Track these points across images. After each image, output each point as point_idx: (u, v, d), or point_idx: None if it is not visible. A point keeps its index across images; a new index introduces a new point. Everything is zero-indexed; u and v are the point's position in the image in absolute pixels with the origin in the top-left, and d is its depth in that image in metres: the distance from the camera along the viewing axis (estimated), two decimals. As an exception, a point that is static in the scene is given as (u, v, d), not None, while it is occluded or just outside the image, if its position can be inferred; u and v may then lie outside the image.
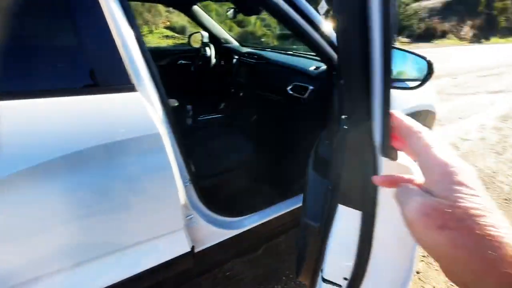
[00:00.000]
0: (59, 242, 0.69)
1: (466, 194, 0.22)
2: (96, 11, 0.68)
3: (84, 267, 0.77)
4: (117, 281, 0.84)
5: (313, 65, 1.53)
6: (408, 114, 1.31)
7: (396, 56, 1.05)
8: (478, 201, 0.22)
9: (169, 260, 0.96)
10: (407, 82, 1.13)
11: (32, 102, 0.62)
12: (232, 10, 1.79)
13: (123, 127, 0.69)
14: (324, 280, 0.60)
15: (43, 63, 0.66)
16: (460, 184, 0.23)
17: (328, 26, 1.10)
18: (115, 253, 0.84)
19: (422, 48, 16.05)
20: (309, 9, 1.06)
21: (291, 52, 1.87)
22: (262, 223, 1.24)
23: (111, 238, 0.81)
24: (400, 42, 18.67)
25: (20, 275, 0.68)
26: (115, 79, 0.71)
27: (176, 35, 9.86)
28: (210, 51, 2.07)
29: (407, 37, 20.07)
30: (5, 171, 0.57)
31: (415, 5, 20.25)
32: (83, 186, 0.67)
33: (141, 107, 0.73)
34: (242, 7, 1.63)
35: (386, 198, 0.46)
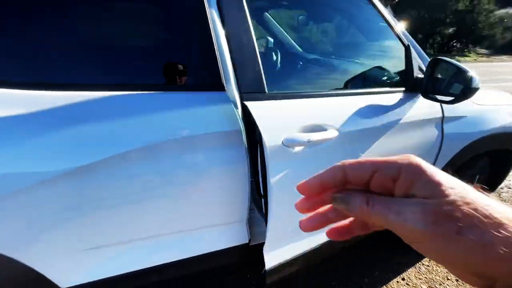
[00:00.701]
0: (156, 215, 0.82)
1: (451, 189, 0.20)
2: (202, 20, 0.78)
3: (166, 239, 0.89)
4: (179, 259, 0.94)
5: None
6: (497, 135, 1.19)
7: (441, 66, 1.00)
8: (470, 195, 0.19)
9: (227, 248, 1.03)
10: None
11: (149, 94, 0.75)
12: (303, 17, 1.83)
13: (212, 122, 0.79)
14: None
15: (159, 63, 0.79)
16: (437, 181, 0.20)
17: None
18: (186, 233, 0.94)
19: (505, 62, 13.94)
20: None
21: (358, 61, 1.83)
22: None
23: (186, 219, 0.92)
24: (476, 54, 16.53)
25: (114, 239, 0.82)
26: (210, 80, 0.81)
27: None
28: (276, 56, 2.14)
29: (487, 48, 17.64)
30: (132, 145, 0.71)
31: (501, 12, 17.70)
32: (177, 168, 0.78)
33: (229, 106, 0.82)
34: (314, 14, 1.66)
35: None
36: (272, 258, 0.98)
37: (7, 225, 0.69)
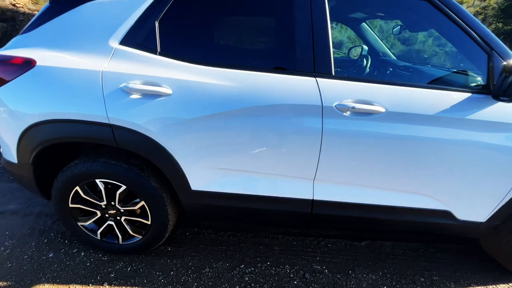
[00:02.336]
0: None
1: None
2: (306, 17, 1.17)
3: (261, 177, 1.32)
4: (267, 195, 1.35)
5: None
6: None
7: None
8: None
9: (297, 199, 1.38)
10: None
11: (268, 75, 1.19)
12: (398, 27, 1.97)
13: (305, 98, 1.17)
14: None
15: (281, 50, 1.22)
16: None
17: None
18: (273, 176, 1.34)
19: None
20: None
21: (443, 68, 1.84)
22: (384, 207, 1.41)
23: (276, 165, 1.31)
24: None
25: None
26: (307, 67, 1.19)
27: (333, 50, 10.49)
28: (366, 63, 2.33)
29: None
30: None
31: None
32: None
33: (316, 88, 1.17)
34: (409, 24, 1.79)
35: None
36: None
37: (186, 137, 1.23)
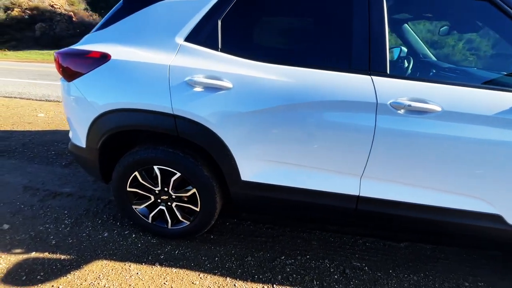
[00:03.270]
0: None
1: None
2: (364, 16, 1.20)
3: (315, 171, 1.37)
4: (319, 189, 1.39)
5: None
6: None
7: None
8: None
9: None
10: None
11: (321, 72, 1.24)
12: (446, 28, 1.94)
13: (360, 95, 1.20)
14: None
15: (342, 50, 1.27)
16: None
17: None
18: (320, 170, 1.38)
19: None
20: None
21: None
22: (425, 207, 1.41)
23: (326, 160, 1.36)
24: None
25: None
26: (363, 65, 1.22)
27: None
28: (408, 64, 2.31)
29: None
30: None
31: None
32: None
33: (371, 86, 1.20)
34: (459, 25, 1.76)
35: None
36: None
37: (242, 129, 1.31)
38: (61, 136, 3.21)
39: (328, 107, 1.25)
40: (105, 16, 1.52)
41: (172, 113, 1.32)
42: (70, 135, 1.63)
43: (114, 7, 1.50)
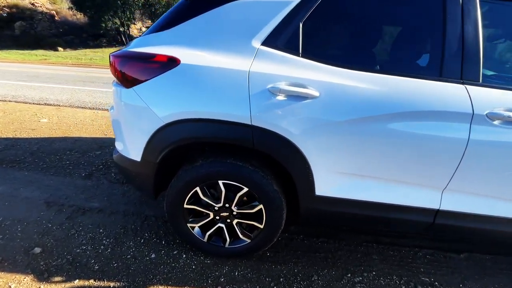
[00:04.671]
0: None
1: None
2: (457, 24, 1.15)
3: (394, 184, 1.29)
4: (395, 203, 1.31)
5: None
6: None
7: None
8: None
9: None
10: None
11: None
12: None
13: (454, 105, 1.13)
14: None
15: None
16: None
17: None
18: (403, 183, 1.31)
19: None
20: None
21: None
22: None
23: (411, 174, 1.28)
24: None
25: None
26: (455, 74, 1.16)
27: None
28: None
29: None
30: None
31: None
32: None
33: (466, 95, 1.14)
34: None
35: None
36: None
37: (325, 141, 1.21)
38: (71, 144, 2.97)
39: (419, 117, 1.17)
40: (163, 17, 1.38)
41: (250, 123, 1.20)
42: (119, 146, 1.46)
43: (174, 6, 1.37)
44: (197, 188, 1.38)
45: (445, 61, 1.19)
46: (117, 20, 19.55)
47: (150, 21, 22.86)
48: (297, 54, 1.21)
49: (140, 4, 19.80)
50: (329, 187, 1.33)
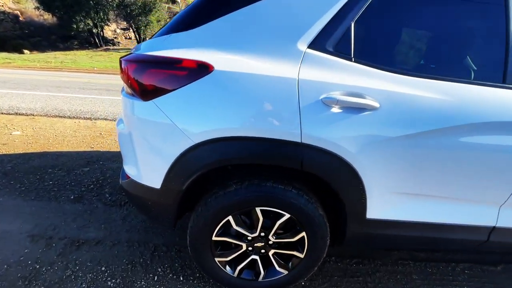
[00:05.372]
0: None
1: None
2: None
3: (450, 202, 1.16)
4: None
5: None
6: None
7: None
8: None
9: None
10: None
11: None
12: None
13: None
14: None
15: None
16: None
17: None
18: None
19: None
20: None
21: None
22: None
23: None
24: None
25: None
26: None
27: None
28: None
29: None
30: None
31: None
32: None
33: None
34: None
35: None
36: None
37: (384, 158, 1.06)
38: (53, 160, 2.60)
39: (490, 129, 1.05)
40: (181, 15, 1.16)
41: (300, 141, 1.01)
42: (131, 171, 1.20)
43: (195, 2, 1.15)
44: (230, 217, 1.16)
45: (509, 66, 1.08)
46: (89, 21, 18.51)
47: (125, 23, 21.90)
48: (348, 58, 1.04)
49: (114, 5, 18.88)
50: (382, 209, 1.17)
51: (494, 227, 1.25)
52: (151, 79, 1.02)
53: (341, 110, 1.00)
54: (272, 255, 1.27)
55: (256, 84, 0.99)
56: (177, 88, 1.00)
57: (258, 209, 1.15)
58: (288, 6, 1.03)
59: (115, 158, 2.74)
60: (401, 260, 1.67)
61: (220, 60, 1.00)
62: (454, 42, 1.09)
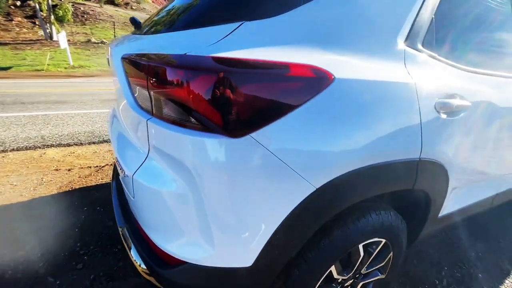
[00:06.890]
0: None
1: None
2: None
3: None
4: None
5: None
6: None
7: None
8: None
9: None
10: None
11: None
12: None
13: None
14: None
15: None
16: None
17: None
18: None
19: None
20: None
21: None
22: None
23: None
24: None
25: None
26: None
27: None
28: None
29: None
30: None
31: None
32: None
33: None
34: None
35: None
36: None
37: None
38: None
39: None
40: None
41: (419, 157, 0.84)
42: (192, 252, 0.70)
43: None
44: (332, 267, 0.89)
45: None
46: None
47: None
48: (434, 57, 0.94)
49: None
50: (446, 205, 1.19)
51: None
52: (250, 99, 0.60)
53: (446, 115, 0.90)
54: (361, 286, 1.09)
55: (378, 93, 0.75)
56: (295, 109, 0.63)
57: (360, 245, 0.93)
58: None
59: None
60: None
61: (334, 64, 0.69)
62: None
